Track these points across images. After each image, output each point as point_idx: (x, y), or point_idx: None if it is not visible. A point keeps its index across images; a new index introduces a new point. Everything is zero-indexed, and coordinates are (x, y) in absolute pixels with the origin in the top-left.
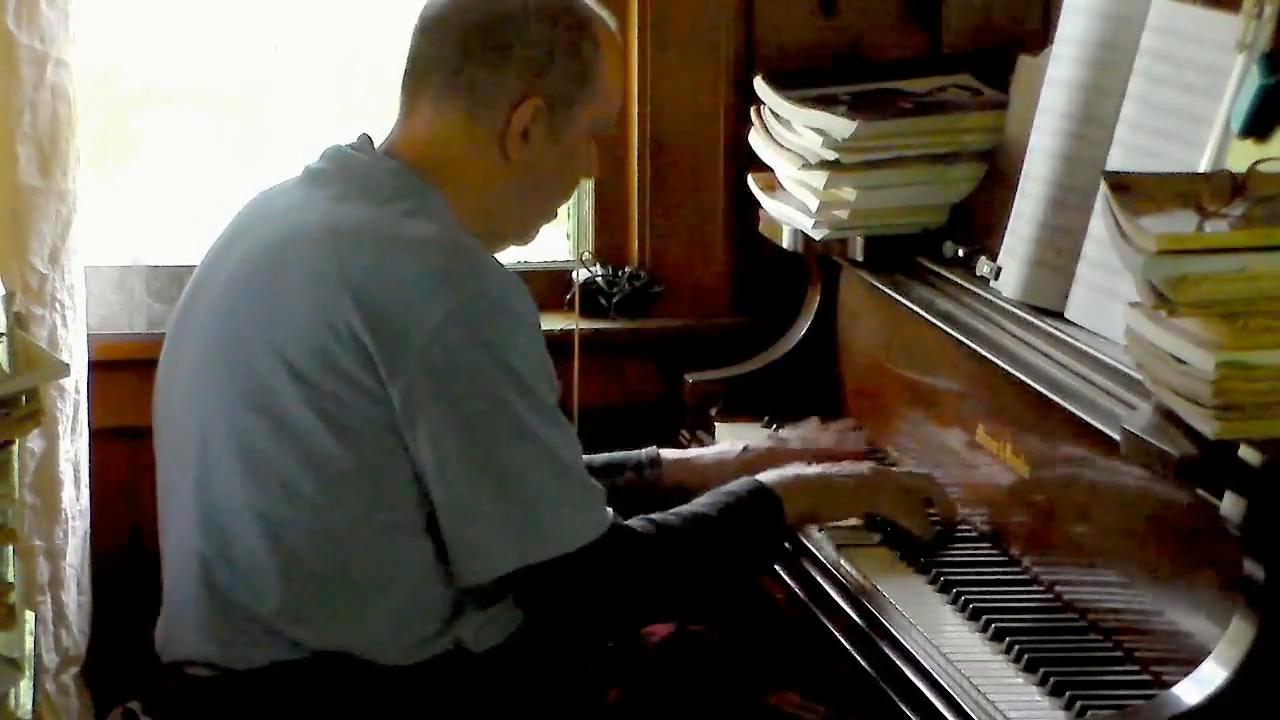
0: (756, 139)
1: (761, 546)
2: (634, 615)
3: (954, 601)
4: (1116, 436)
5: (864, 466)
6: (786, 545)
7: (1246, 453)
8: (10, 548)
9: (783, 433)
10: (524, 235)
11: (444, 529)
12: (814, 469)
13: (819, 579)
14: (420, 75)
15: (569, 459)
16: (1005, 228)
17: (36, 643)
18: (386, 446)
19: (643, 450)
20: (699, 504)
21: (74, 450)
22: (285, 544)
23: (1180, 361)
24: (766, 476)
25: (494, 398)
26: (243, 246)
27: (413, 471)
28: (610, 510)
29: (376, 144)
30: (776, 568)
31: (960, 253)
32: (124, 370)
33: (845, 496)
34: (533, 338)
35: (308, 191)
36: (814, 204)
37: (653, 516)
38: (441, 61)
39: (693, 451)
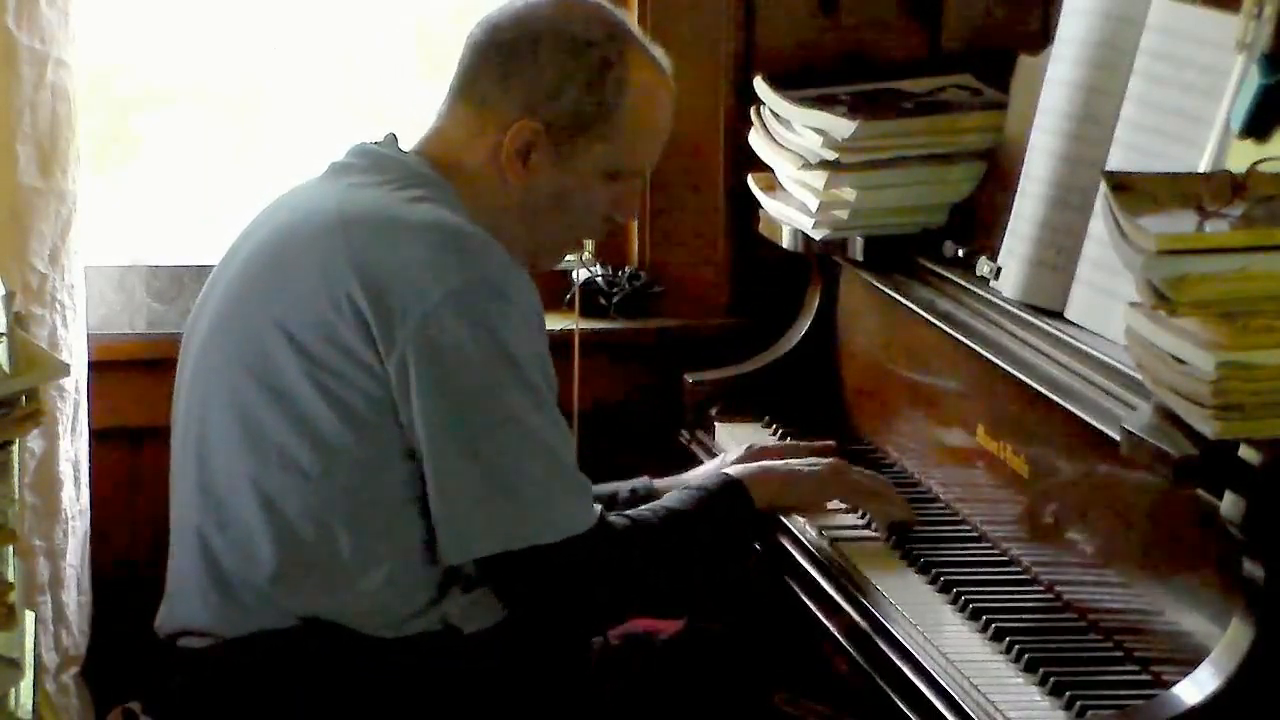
0: (756, 139)
1: (734, 536)
2: (614, 610)
3: (954, 601)
4: (1116, 436)
5: (825, 461)
6: (757, 537)
7: (1246, 453)
8: (10, 548)
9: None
10: (535, 258)
11: (432, 506)
12: (779, 463)
13: (819, 578)
14: (455, 78)
15: (560, 450)
16: (1005, 228)
17: (36, 643)
18: (383, 422)
19: (635, 480)
20: (672, 499)
21: (74, 450)
22: (279, 513)
23: (1180, 361)
24: (733, 469)
25: (487, 380)
26: (258, 236)
27: (407, 448)
28: (598, 506)
29: (407, 144)
30: (775, 566)
31: (960, 253)
32: (124, 370)
33: (808, 486)
34: (533, 328)
35: (324, 183)
36: (814, 204)
37: (629, 513)
38: (468, 69)
39: (682, 476)
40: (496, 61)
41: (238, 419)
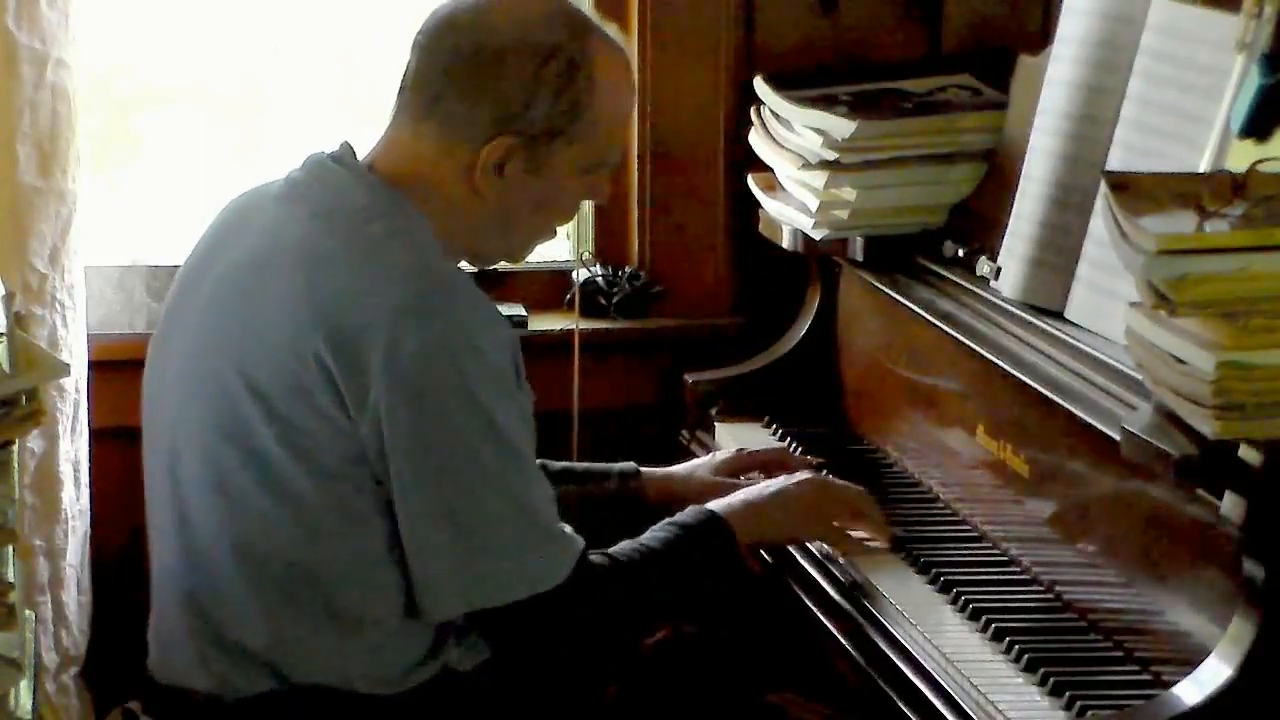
0: (756, 139)
1: (717, 575)
2: (595, 651)
3: (954, 601)
4: (1116, 436)
5: (810, 485)
6: (738, 573)
7: (1246, 453)
8: (10, 548)
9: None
10: (512, 256)
11: (409, 564)
12: (761, 492)
13: (818, 578)
14: (407, 90)
15: (532, 502)
16: (1005, 228)
17: (36, 643)
18: (358, 480)
19: (624, 463)
20: (653, 537)
21: (74, 450)
22: (265, 577)
23: (1180, 361)
24: (717, 505)
25: (460, 436)
26: (222, 264)
27: (386, 504)
28: (577, 545)
29: (360, 152)
30: (776, 567)
31: (960, 253)
32: (124, 370)
33: (793, 520)
34: (506, 376)
35: (286, 208)
36: (814, 204)
37: (610, 551)
38: (426, 83)
39: (668, 469)
40: (459, 79)
41: (214, 482)
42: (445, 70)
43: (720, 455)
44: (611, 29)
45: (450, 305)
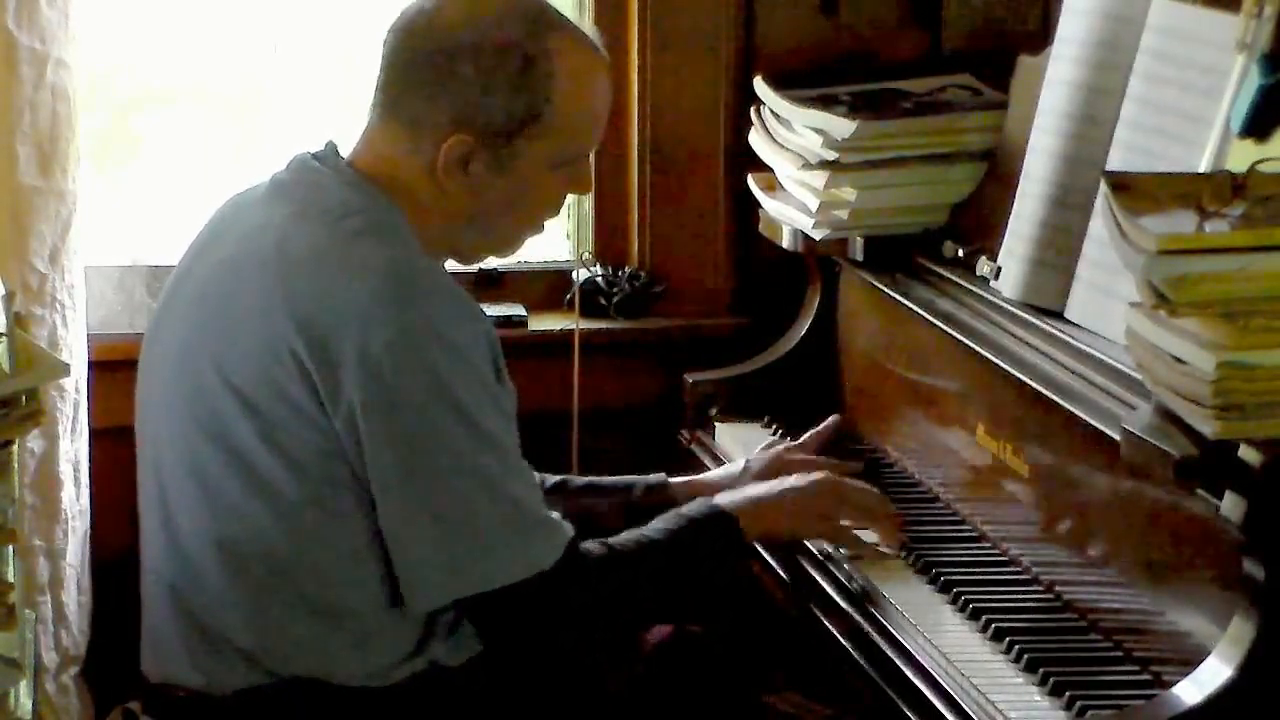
0: (756, 139)
1: (717, 570)
2: (589, 639)
3: (954, 601)
4: (1116, 436)
5: (820, 484)
6: (741, 567)
7: (1246, 453)
8: (10, 548)
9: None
10: (496, 252)
11: (391, 556)
12: (770, 489)
13: (818, 578)
14: (378, 90)
15: (512, 490)
16: (1005, 228)
17: (36, 643)
18: (336, 475)
19: (650, 475)
20: (656, 528)
21: (74, 450)
22: (247, 573)
23: (1180, 361)
24: (723, 499)
25: (435, 429)
26: (208, 265)
27: (365, 499)
28: (565, 531)
29: (344, 151)
30: (776, 567)
31: (960, 253)
32: (124, 370)
33: (800, 518)
34: (478, 365)
35: (269, 208)
36: (814, 204)
37: (609, 541)
38: (391, 83)
39: (700, 476)
40: (417, 78)
41: (195, 478)
42: (406, 69)
43: (756, 463)
44: (582, 24)
45: (423, 300)
